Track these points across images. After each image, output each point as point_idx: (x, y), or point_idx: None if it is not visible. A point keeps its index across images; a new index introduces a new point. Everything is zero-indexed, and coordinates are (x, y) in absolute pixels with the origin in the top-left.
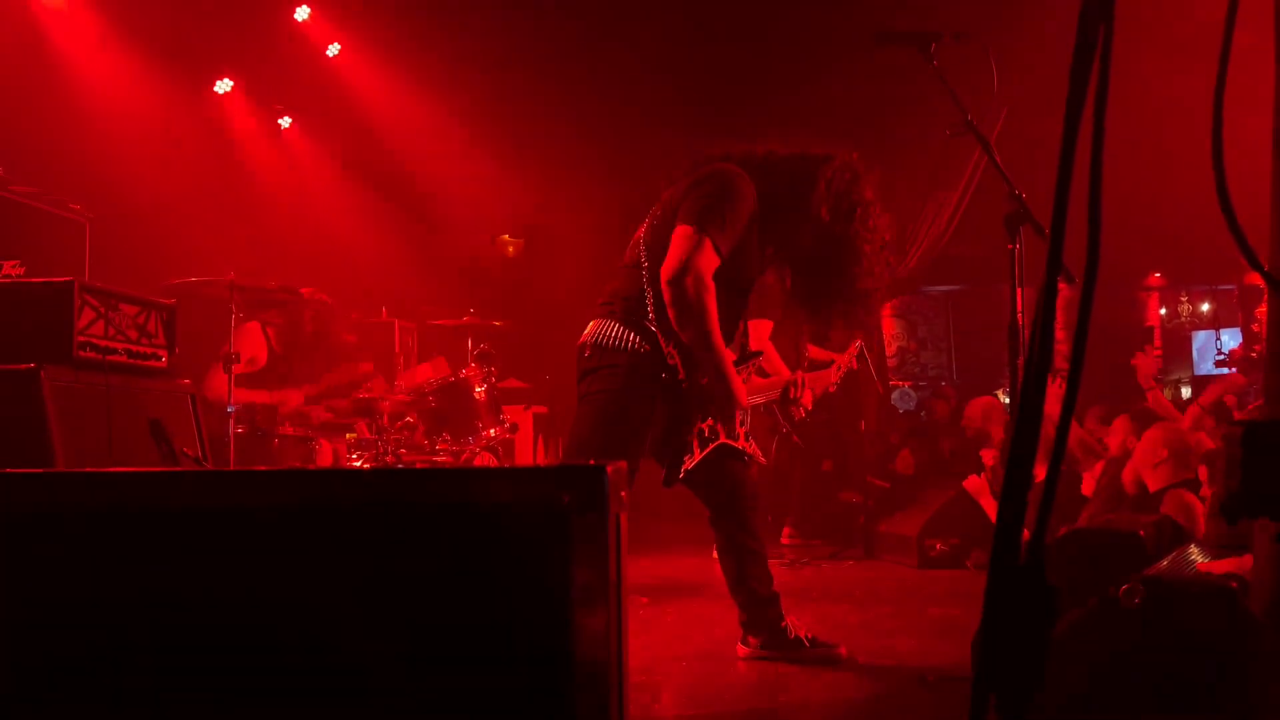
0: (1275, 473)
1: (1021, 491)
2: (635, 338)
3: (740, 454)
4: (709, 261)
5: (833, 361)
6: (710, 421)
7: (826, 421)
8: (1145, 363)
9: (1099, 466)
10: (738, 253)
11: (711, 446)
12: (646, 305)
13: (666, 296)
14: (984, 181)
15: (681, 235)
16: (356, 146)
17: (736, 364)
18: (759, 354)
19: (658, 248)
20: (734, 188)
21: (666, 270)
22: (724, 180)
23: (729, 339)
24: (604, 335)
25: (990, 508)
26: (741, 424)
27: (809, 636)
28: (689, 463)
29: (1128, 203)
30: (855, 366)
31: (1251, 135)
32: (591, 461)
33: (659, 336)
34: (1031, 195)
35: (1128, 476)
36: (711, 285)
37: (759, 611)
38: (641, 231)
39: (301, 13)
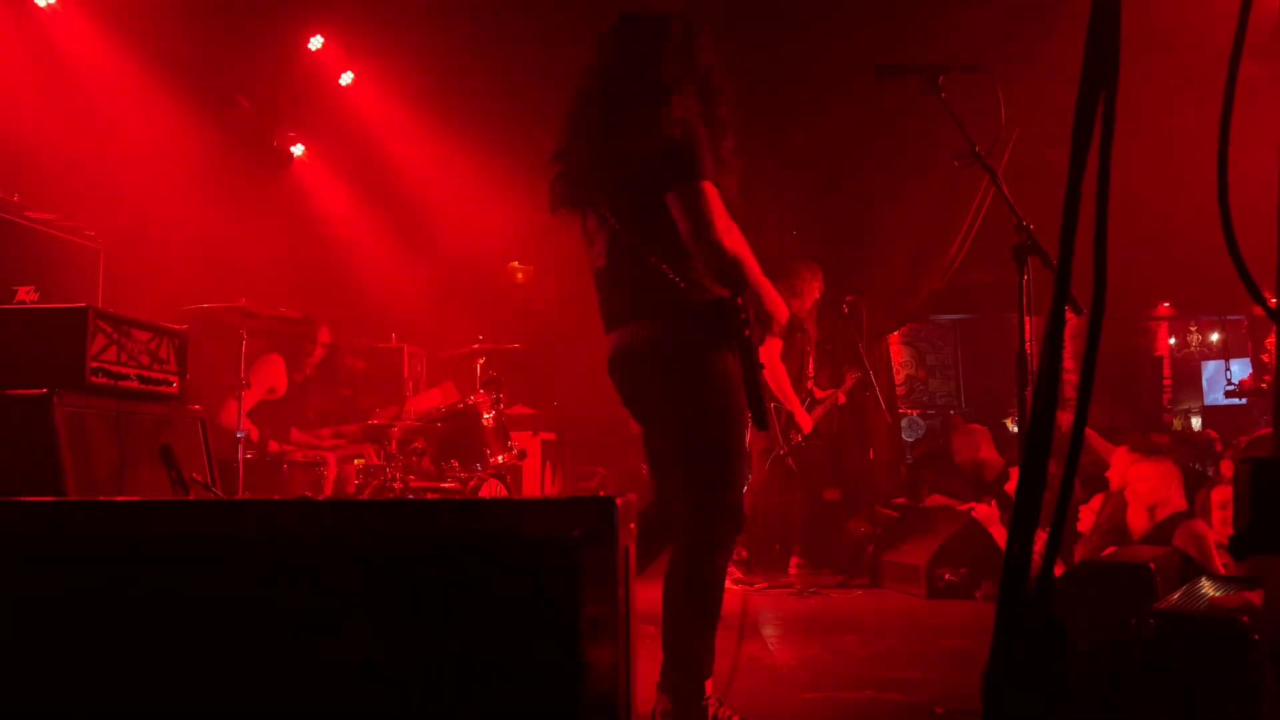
0: None
1: (1030, 526)
2: (689, 319)
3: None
4: (721, 204)
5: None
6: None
7: (830, 450)
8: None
9: (1097, 499)
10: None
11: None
12: (675, 280)
13: (707, 260)
14: (992, 210)
15: (683, 195)
16: (368, 173)
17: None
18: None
19: (643, 229)
20: (685, 122)
21: (693, 235)
22: (678, 119)
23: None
24: (659, 334)
25: (1001, 537)
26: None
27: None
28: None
29: (1137, 233)
30: (843, 401)
31: (1260, 165)
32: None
33: (714, 302)
34: (1040, 225)
35: (1133, 515)
36: (735, 225)
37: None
38: (608, 237)
39: (315, 42)
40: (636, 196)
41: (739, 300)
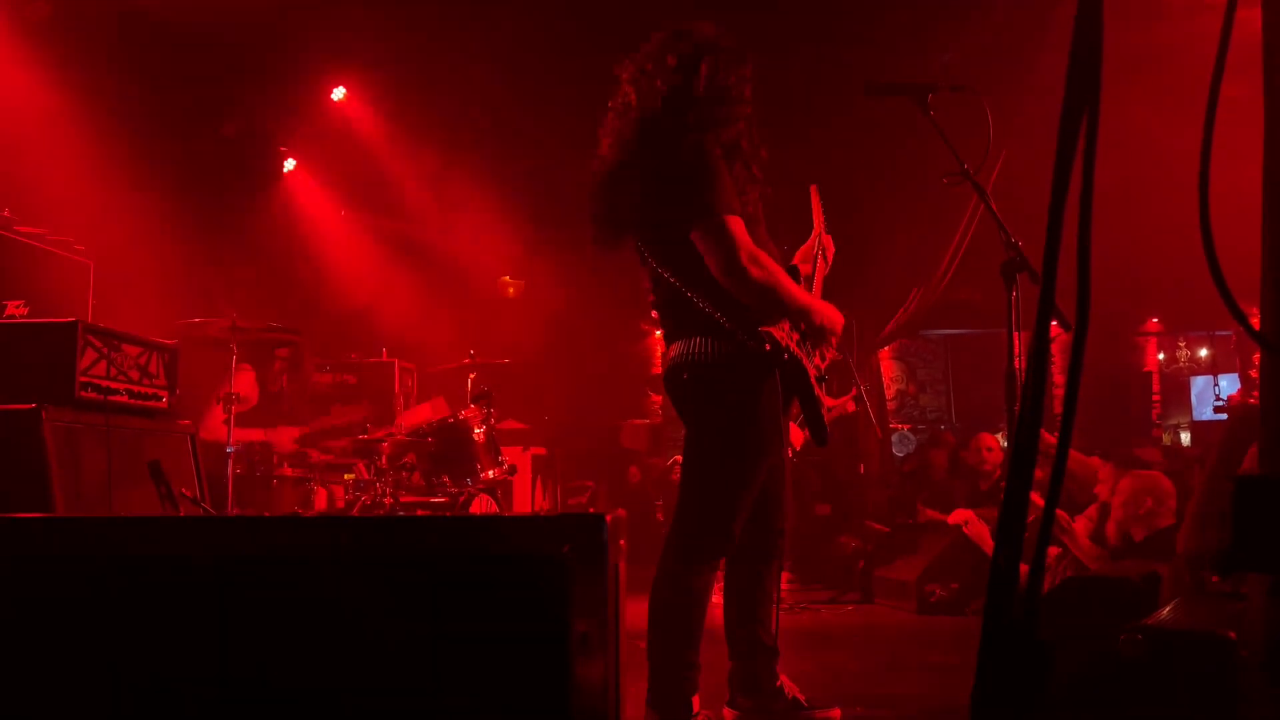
0: (1268, 527)
1: (1016, 544)
2: (730, 347)
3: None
4: (745, 235)
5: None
6: (815, 364)
7: (820, 464)
8: None
9: (1093, 509)
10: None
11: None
12: (717, 316)
13: (739, 294)
14: (982, 226)
15: (706, 233)
16: (359, 189)
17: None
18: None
19: (678, 268)
20: (700, 157)
21: (721, 271)
22: (692, 157)
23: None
24: (702, 353)
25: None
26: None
27: (806, 698)
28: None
29: (1126, 249)
30: (851, 409)
31: (1244, 184)
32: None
33: (743, 344)
34: (1029, 241)
35: (1111, 529)
36: (762, 253)
37: (759, 664)
38: (651, 276)
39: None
40: (667, 238)
41: (775, 334)
